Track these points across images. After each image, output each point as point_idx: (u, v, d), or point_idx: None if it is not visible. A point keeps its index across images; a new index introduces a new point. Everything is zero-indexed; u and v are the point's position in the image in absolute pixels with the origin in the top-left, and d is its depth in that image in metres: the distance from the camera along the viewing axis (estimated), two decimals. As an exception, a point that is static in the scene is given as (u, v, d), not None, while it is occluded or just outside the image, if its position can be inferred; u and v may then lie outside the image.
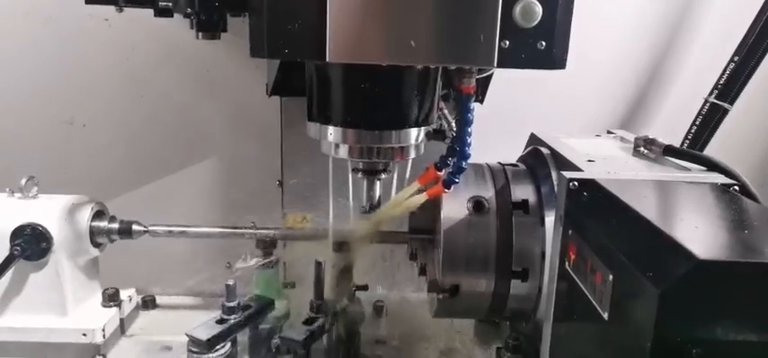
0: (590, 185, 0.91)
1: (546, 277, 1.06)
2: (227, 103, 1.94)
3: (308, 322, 1.12)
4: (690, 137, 1.67)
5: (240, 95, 1.94)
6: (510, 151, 1.34)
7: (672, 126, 1.83)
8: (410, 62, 0.93)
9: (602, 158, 1.08)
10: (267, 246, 1.23)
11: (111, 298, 1.26)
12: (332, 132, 1.06)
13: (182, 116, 1.93)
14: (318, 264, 1.13)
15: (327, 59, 0.89)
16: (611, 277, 0.76)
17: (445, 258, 1.08)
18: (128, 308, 1.31)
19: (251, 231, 1.22)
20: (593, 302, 0.81)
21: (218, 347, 1.09)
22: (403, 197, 1.10)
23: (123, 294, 1.30)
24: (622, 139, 1.29)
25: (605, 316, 0.77)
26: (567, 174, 0.93)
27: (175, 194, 2.00)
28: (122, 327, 1.29)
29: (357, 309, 1.23)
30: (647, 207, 0.81)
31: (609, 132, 1.38)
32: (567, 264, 0.92)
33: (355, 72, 1.00)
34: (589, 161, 1.05)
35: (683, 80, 1.91)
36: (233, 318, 1.12)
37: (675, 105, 1.93)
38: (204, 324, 1.10)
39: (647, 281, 0.66)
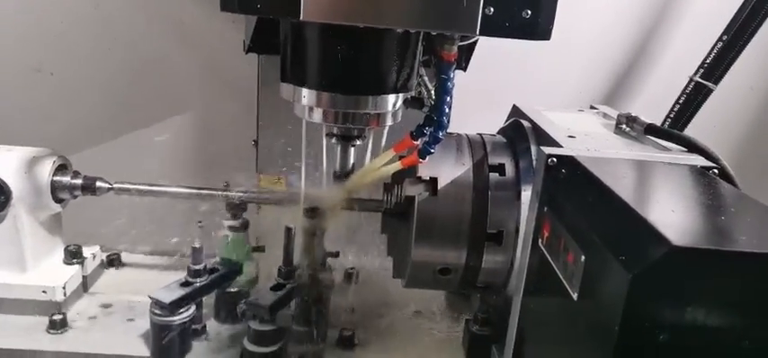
0: (568, 162, 0.89)
1: (519, 252, 1.05)
2: (202, 57, 1.88)
3: (275, 288, 1.09)
4: (672, 115, 1.66)
5: (216, 50, 1.87)
6: (491, 124, 1.31)
7: (656, 103, 1.81)
8: (388, 25, 0.89)
9: (583, 134, 1.05)
10: (236, 208, 1.19)
11: (74, 255, 1.22)
12: (306, 95, 1.02)
13: (154, 68, 1.86)
14: (288, 230, 1.10)
15: (301, 17, 0.85)
16: (583, 258, 0.74)
17: (418, 229, 1.06)
18: (91, 265, 1.27)
19: (220, 193, 1.18)
20: (564, 281, 0.79)
21: (181, 310, 1.06)
22: (377, 165, 1.07)
23: (86, 251, 1.26)
24: (605, 116, 1.26)
25: (575, 295, 0.76)
26: (547, 150, 0.90)
27: (146, 150, 1.94)
28: (85, 285, 1.25)
29: (326, 276, 1.20)
30: (624, 188, 0.79)
31: (592, 107, 1.35)
32: (540, 240, 0.90)
33: (331, 32, 0.95)
34: (569, 137, 1.03)
35: (670, 57, 1.88)
36: (198, 281, 1.09)
37: (660, 83, 1.91)
38: (168, 286, 1.07)
39: (618, 264, 0.64)
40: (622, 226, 0.70)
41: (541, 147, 0.92)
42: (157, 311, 1.05)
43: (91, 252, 1.27)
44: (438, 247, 1.08)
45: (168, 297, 1.04)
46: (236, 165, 2.00)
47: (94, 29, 1.81)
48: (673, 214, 0.71)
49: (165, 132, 1.97)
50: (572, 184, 0.87)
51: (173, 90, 1.93)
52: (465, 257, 1.07)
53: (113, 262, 1.37)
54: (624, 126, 1.13)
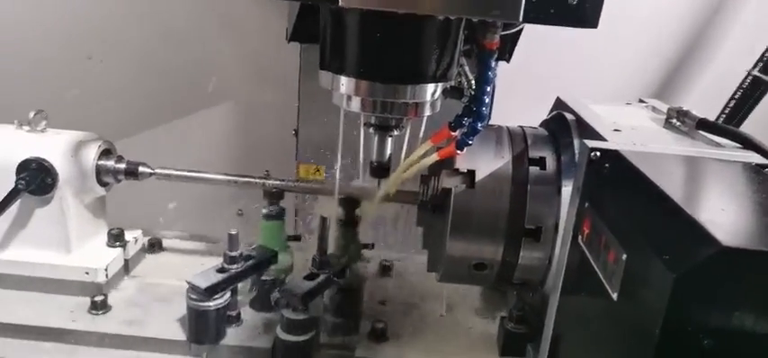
0: (612, 156, 0.85)
1: (557, 249, 1.01)
2: (246, 47, 1.91)
3: (309, 277, 1.09)
4: (727, 111, 1.58)
5: (260, 40, 1.90)
6: (536, 117, 1.27)
7: (710, 98, 1.73)
8: (428, 11, 0.87)
9: (630, 128, 1.01)
10: (273, 196, 1.19)
11: (116, 238, 1.25)
12: (344, 83, 1.01)
13: (200, 58, 1.90)
14: (323, 220, 1.10)
15: (340, 4, 0.84)
16: (624, 256, 0.70)
17: (454, 222, 1.03)
18: (133, 249, 1.30)
19: (257, 180, 1.19)
20: (603, 280, 0.76)
21: (216, 296, 1.07)
22: (415, 158, 1.05)
23: (129, 235, 1.29)
24: (654, 109, 1.21)
25: (614, 295, 0.72)
26: (590, 143, 0.87)
27: (190, 137, 1.98)
28: (126, 268, 1.28)
29: (361, 268, 1.20)
30: (671, 184, 0.75)
31: (641, 101, 1.30)
32: (580, 237, 0.87)
33: (370, 19, 0.94)
34: (615, 131, 0.99)
35: (727, 50, 1.80)
36: (234, 268, 1.09)
37: (715, 77, 1.82)
38: (205, 272, 1.08)
39: (662, 264, 0.61)
40: (667, 224, 0.66)
41: (584, 141, 0.88)
42: (194, 296, 1.06)
43: (133, 236, 1.30)
44: (474, 242, 1.05)
45: (204, 282, 1.05)
46: (277, 154, 2.03)
47: (143, 19, 1.86)
48: (722, 213, 0.67)
49: (209, 121, 2.01)
50: (615, 180, 0.83)
51: (217, 79, 1.96)
52: (501, 253, 1.04)
53: (154, 246, 1.39)
54: (674, 120, 1.08)
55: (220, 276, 1.08)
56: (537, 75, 1.73)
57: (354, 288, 1.19)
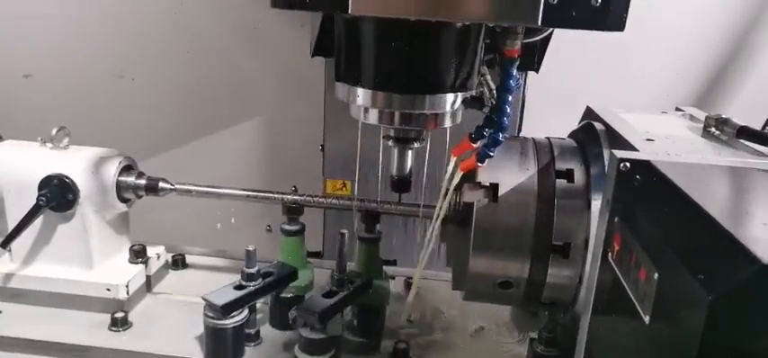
0: (644, 167, 0.79)
1: (588, 266, 0.95)
2: (274, 63, 1.91)
3: (328, 295, 1.05)
4: (774, 121, 1.48)
5: (286, 55, 1.90)
6: (566, 128, 1.21)
7: (754, 107, 1.64)
8: (441, 17, 0.83)
9: (664, 138, 0.95)
10: (293, 211, 1.17)
11: (138, 254, 1.25)
12: (361, 95, 0.98)
13: (228, 74, 1.91)
14: (341, 235, 1.06)
15: (349, 12, 0.81)
16: (656, 275, 0.65)
17: (477, 238, 0.99)
18: (155, 265, 1.29)
19: (277, 195, 1.17)
20: (635, 301, 0.70)
21: (234, 313, 1.05)
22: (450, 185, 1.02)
23: (151, 251, 1.28)
24: (691, 117, 1.14)
25: (646, 318, 0.66)
26: (619, 154, 0.81)
27: (219, 153, 1.99)
28: (149, 285, 1.27)
29: (383, 285, 1.16)
30: (707, 197, 0.69)
31: (677, 109, 1.23)
32: (610, 254, 0.81)
33: (385, 27, 0.91)
34: (647, 140, 0.92)
35: (769, 59, 1.70)
36: (252, 285, 1.07)
37: (758, 84, 1.73)
38: (222, 289, 1.06)
39: (696, 284, 0.55)
40: (703, 240, 0.60)
41: (613, 151, 0.83)
42: (210, 314, 1.04)
43: (155, 252, 1.30)
44: (498, 259, 1.00)
45: (221, 299, 1.03)
46: (304, 170, 2.02)
47: (174, 36, 1.89)
48: (764, 228, 0.61)
49: (237, 137, 2.01)
50: (647, 193, 0.77)
51: (245, 95, 1.97)
52: (528, 270, 0.99)
53: (178, 263, 1.38)
54: (713, 129, 1.01)
55: (237, 293, 1.05)
56: (568, 85, 1.67)
57: (376, 306, 1.16)
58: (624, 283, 0.75)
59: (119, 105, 1.93)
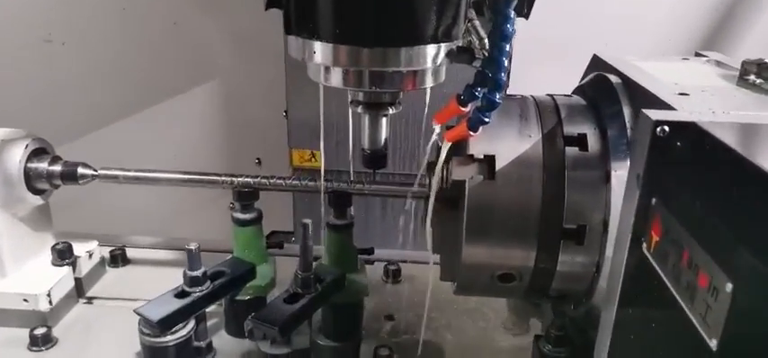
0: (689, 131, 0.60)
1: (608, 251, 0.78)
2: (224, 19, 1.67)
3: (290, 299, 0.87)
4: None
5: (239, 9, 1.67)
6: (559, 83, 1.02)
7: (763, 51, 1.47)
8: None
9: (700, 91, 0.76)
10: (246, 197, 0.97)
11: (63, 254, 1.04)
12: (319, 50, 0.78)
13: (171, 33, 1.67)
14: (304, 226, 0.87)
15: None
16: (729, 286, 0.47)
17: (470, 222, 0.80)
18: (86, 265, 1.09)
19: (225, 178, 0.96)
20: (690, 315, 0.52)
21: (176, 328, 0.85)
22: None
23: (80, 249, 1.08)
24: (719, 64, 0.96)
25: (712, 343, 0.49)
26: (652, 114, 0.62)
27: (167, 124, 1.76)
28: (79, 290, 1.07)
29: (358, 279, 0.97)
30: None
31: (697, 54, 1.04)
32: (644, 245, 0.63)
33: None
34: (680, 94, 0.74)
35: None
36: (197, 291, 0.88)
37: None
38: (160, 298, 0.87)
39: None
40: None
41: (643, 110, 0.64)
42: (146, 330, 0.85)
43: (86, 250, 1.09)
44: (497, 246, 0.82)
45: (158, 312, 0.84)
46: (268, 140, 1.81)
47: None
48: None
49: (188, 106, 1.79)
50: (696, 165, 0.59)
51: (195, 58, 1.74)
52: (534, 260, 0.81)
53: (117, 259, 1.18)
54: (753, 77, 0.83)
55: (178, 303, 0.86)
56: (559, 30, 1.48)
57: (351, 304, 0.97)
58: (670, 286, 0.57)
59: (47, 74, 1.68)
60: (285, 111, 1.59)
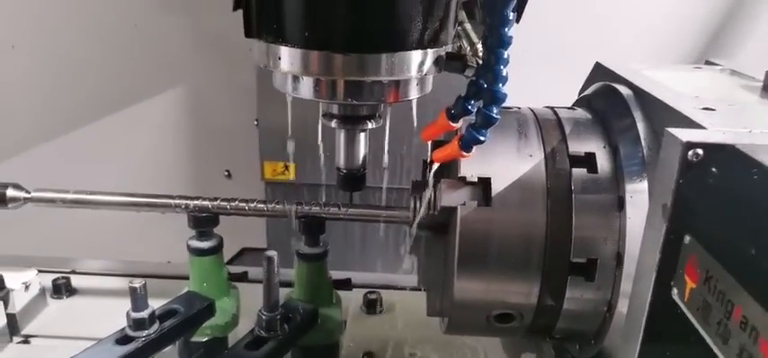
0: (725, 154, 0.50)
1: (624, 286, 0.67)
2: (190, 20, 1.55)
3: (253, 344, 0.74)
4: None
5: (206, 9, 1.55)
6: (555, 94, 0.91)
7: (763, 59, 1.40)
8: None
9: (725, 104, 0.66)
10: (205, 223, 0.84)
11: (-8, 288, 0.90)
12: (285, 56, 0.66)
13: (131, 35, 1.54)
14: (269, 260, 0.75)
15: None
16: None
17: (463, 255, 0.69)
18: (22, 299, 0.95)
19: (179, 201, 0.83)
20: (749, 392, 0.41)
21: (118, 380, 0.73)
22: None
23: (15, 280, 0.94)
24: (735, 73, 0.86)
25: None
26: (681, 134, 0.52)
27: (127, 135, 1.63)
28: (13, 327, 0.93)
29: (332, 315, 0.85)
30: None
31: (708, 62, 0.95)
32: (676, 291, 0.53)
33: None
34: (705, 109, 0.64)
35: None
36: (143, 336, 0.75)
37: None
38: (98, 346, 0.74)
39: None
40: None
41: (670, 130, 0.53)
42: (82, 385, 0.72)
43: (22, 281, 0.95)
44: (494, 282, 0.71)
45: (95, 364, 0.71)
46: (239, 150, 1.70)
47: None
48: None
49: (151, 114, 1.65)
50: (741, 198, 0.49)
51: (159, 62, 1.61)
52: (537, 297, 0.70)
53: (60, 289, 1.04)
54: (779, 88, 0.73)
55: (120, 351, 0.73)
56: (553, 37, 1.39)
57: (325, 346, 0.85)
58: (715, 350, 0.46)
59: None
60: (256, 120, 1.48)
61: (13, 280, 0.95)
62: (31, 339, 0.96)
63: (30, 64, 1.53)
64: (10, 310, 0.93)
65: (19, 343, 0.94)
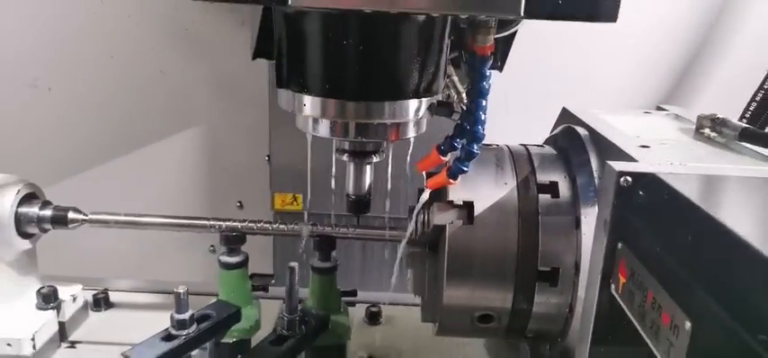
0: (649, 182, 0.66)
1: (580, 292, 0.83)
2: (210, 67, 1.72)
3: (276, 341, 0.89)
4: (747, 115, 1.40)
5: (224, 58, 1.71)
6: (530, 135, 1.08)
7: (723, 103, 1.57)
8: (403, 8, 0.68)
9: (659, 143, 0.83)
10: (233, 241, 1.00)
11: (47, 299, 1.05)
12: (308, 103, 0.82)
13: (158, 80, 1.70)
14: (291, 269, 0.90)
15: (290, 2, 0.65)
16: (688, 324, 0.52)
17: (451, 266, 0.85)
18: (70, 309, 1.09)
19: (212, 222, 0.99)
20: (657, 354, 0.57)
21: (163, 370, 0.87)
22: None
23: (65, 292, 1.09)
24: (678, 117, 1.03)
25: (676, 378, 0.53)
26: (616, 165, 0.68)
27: (151, 169, 1.78)
28: (62, 333, 1.08)
29: (341, 321, 1.00)
30: (741, 219, 0.57)
31: (659, 108, 1.12)
32: (613, 286, 0.68)
33: (334, 22, 0.76)
34: (642, 147, 0.80)
35: (740, 49, 1.63)
36: (183, 334, 0.90)
37: (728, 79, 1.65)
38: (147, 342, 0.88)
39: (756, 345, 0.42)
40: (751, 280, 0.48)
41: (609, 162, 0.70)
42: (133, 374, 0.86)
43: (70, 293, 1.10)
44: (477, 289, 0.86)
45: (146, 356, 0.85)
46: (251, 184, 1.84)
47: (95, 40, 1.67)
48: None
49: (172, 151, 1.81)
50: (656, 213, 0.65)
51: (179, 104, 1.77)
52: (511, 301, 0.86)
53: (99, 303, 1.18)
54: (707, 130, 0.90)
55: (165, 347, 0.87)
56: (531, 86, 1.56)
57: (335, 346, 1.00)
58: (637, 325, 0.62)
59: (32, 119, 1.69)
60: (268, 156, 1.63)
61: (63, 292, 1.09)
62: (77, 344, 1.09)
63: (64, 105, 1.69)
64: (61, 319, 1.07)
65: (67, 347, 1.08)
